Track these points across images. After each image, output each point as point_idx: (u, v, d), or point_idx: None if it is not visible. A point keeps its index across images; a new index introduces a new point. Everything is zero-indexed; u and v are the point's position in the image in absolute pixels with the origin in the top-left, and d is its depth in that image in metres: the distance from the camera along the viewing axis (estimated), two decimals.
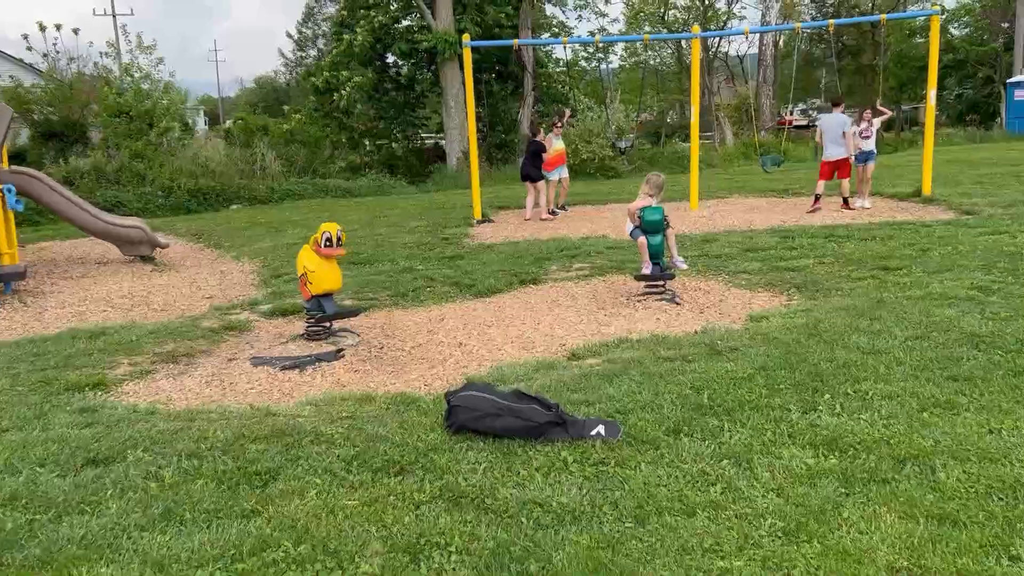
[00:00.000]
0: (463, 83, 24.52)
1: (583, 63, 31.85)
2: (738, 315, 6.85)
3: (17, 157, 23.50)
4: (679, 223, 12.04)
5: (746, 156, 26.00)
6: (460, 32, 22.72)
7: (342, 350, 6.10)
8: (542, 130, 14.59)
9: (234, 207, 17.81)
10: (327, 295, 6.34)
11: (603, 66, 30.90)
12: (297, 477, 3.76)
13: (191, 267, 10.64)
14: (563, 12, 29.76)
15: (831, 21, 12.99)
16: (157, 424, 4.58)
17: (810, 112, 75.91)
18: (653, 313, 7.07)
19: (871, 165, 12.76)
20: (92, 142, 26.44)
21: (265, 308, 7.94)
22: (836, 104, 12.69)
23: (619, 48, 36.60)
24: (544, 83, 25.24)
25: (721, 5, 53.33)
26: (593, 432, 4.07)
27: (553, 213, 13.48)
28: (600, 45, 28.58)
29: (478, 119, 26.68)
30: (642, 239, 7.60)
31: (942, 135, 28.12)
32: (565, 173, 13.69)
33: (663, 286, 7.69)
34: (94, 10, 72.29)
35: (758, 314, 6.66)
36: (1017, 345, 5.23)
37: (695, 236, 10.70)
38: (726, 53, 62.12)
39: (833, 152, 12.42)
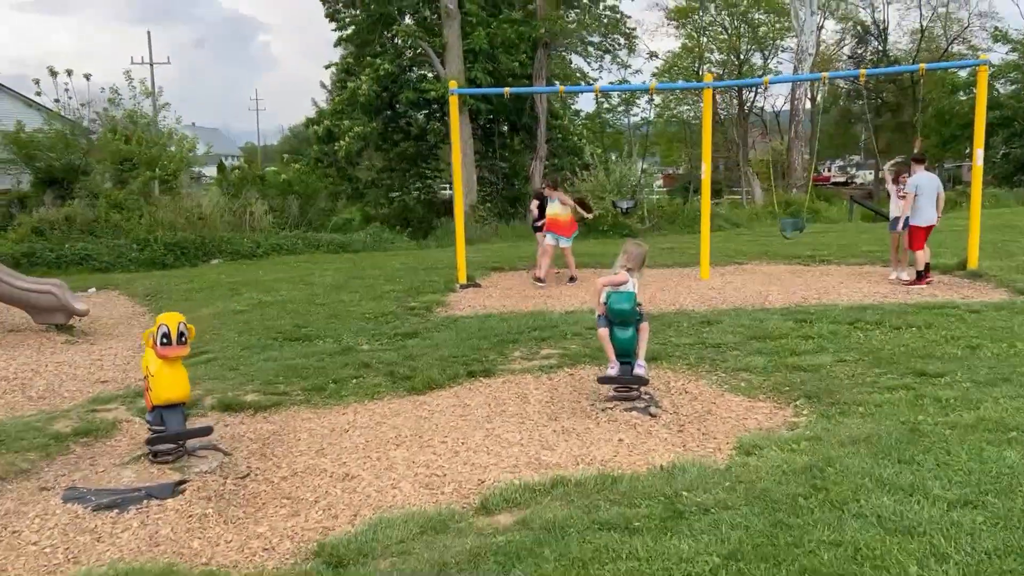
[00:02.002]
0: (472, 134, 23.45)
1: (607, 115, 30.58)
2: (725, 439, 5.23)
3: (23, 203, 22.76)
4: (684, 295, 10.51)
5: (774, 215, 24.36)
6: (471, 82, 21.64)
7: (185, 481, 4.60)
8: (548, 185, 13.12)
9: (215, 262, 16.60)
10: (172, 406, 4.85)
11: (626, 119, 29.55)
12: None
13: (111, 338, 9.28)
14: (587, 62, 28.52)
15: (862, 71, 11.49)
16: None
17: (848, 169, 74.16)
18: (617, 430, 5.47)
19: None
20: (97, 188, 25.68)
21: None
22: (920, 161, 11.11)
23: (644, 101, 35.31)
24: (559, 135, 23.97)
25: (757, 60, 52.24)
26: None
27: (539, 280, 11.94)
28: (601, 94, 27.32)
29: (491, 171, 25.52)
30: (604, 331, 6.05)
31: (988, 195, 26.23)
32: (564, 243, 12.15)
33: (636, 390, 6.10)
34: (132, 58, 73.46)
35: (751, 440, 5.04)
36: None
37: (695, 315, 9.10)
38: (761, 108, 60.95)
39: (929, 216, 10.82)
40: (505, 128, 25.17)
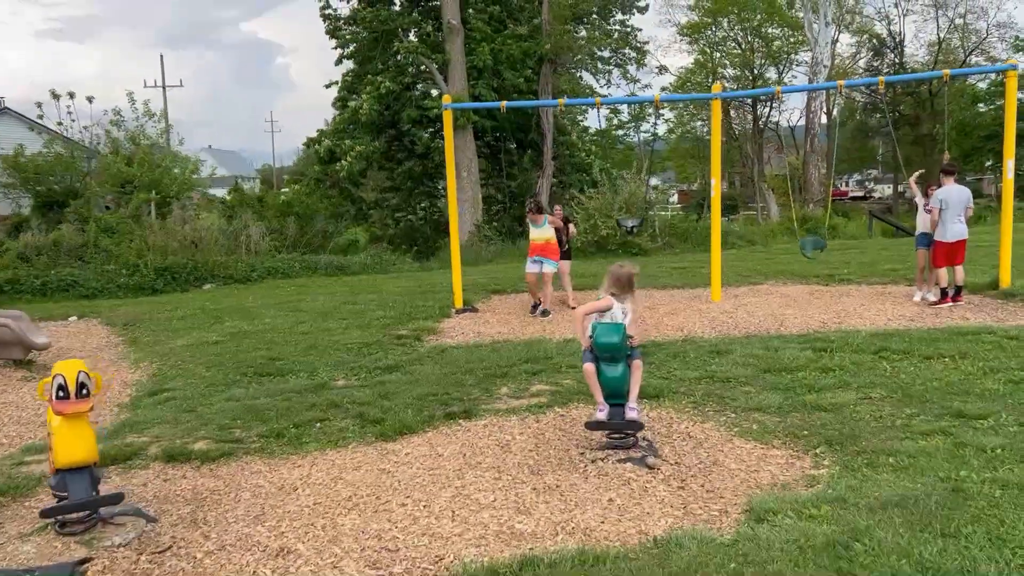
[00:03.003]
0: (477, 152, 22.83)
1: (616, 132, 29.91)
2: (733, 498, 4.46)
3: (18, 228, 22.34)
4: (693, 320, 9.75)
5: (791, 232, 23.53)
6: (475, 99, 21.05)
7: (89, 560, 3.88)
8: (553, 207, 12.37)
9: (207, 287, 16.00)
10: (77, 469, 4.13)
11: (636, 136, 28.86)
12: None
13: None
14: (595, 78, 27.89)
15: (881, 78, 10.73)
16: None
17: (866, 183, 73.06)
18: (608, 487, 4.72)
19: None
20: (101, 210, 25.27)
21: None
22: (950, 172, 10.23)
23: (653, 116, 34.56)
24: (567, 151, 23.29)
25: (771, 74, 51.49)
26: None
27: (535, 308, 11.12)
28: (610, 109, 26.71)
29: (498, 190, 24.86)
30: (590, 367, 5.30)
31: (1016, 208, 25.30)
32: (548, 268, 11.12)
33: (632, 436, 5.35)
34: (144, 81, 73.84)
35: (763, 502, 4.26)
36: None
37: (704, 343, 8.33)
38: (776, 123, 60.14)
39: (958, 231, 10.01)
40: (513, 146, 24.50)
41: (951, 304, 9.92)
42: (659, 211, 21.89)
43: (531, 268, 11.13)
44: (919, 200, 10.76)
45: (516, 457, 5.28)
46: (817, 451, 5.11)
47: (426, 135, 24.11)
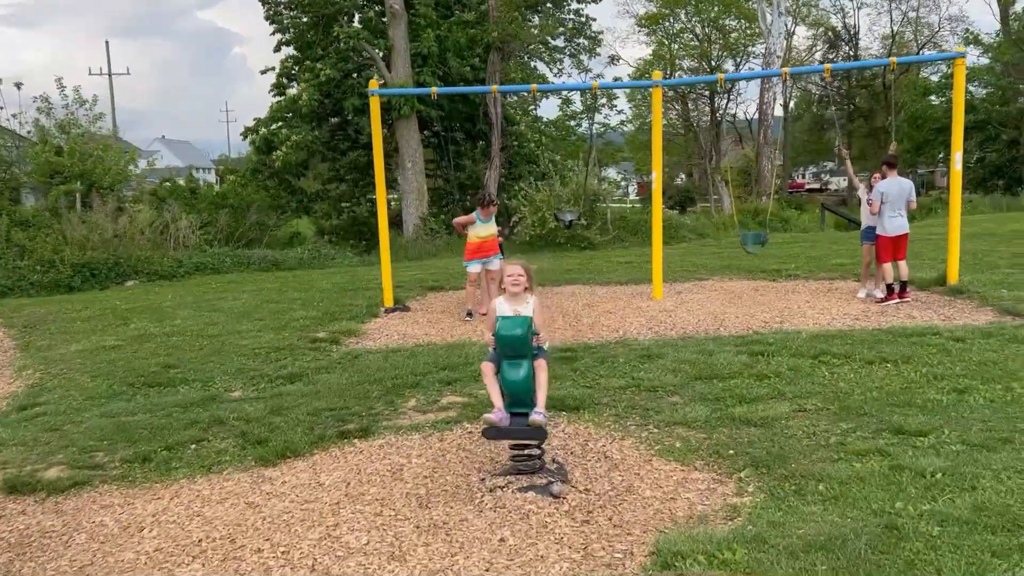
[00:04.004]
0: (422, 142, 22.11)
1: (569, 123, 29.36)
2: (641, 536, 3.90)
3: None
4: (631, 319, 9.22)
5: (744, 225, 23.20)
6: (420, 87, 20.32)
7: None
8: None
9: (130, 284, 15.10)
10: None
11: (586, 126, 28.28)
12: None
13: None
14: (548, 68, 27.25)
15: (827, 66, 10.28)
16: None
17: (822, 175, 73.57)
18: (503, 522, 4.13)
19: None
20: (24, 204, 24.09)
21: None
22: (892, 165, 9.81)
23: (607, 110, 34.02)
24: (515, 142, 22.66)
25: (729, 66, 51.33)
26: None
27: (469, 315, 10.34)
28: (537, 94, 25.96)
29: (447, 181, 24.15)
30: (488, 367, 4.71)
31: (964, 201, 25.26)
32: (496, 264, 10.35)
33: (538, 459, 4.76)
34: (89, 69, 71.73)
35: (673, 543, 3.70)
36: None
37: (637, 346, 7.78)
38: (734, 115, 60.16)
39: (899, 225, 9.59)
40: (461, 136, 23.79)
41: (897, 301, 9.53)
42: (609, 203, 21.31)
43: (475, 268, 10.33)
44: (862, 194, 10.35)
45: (406, 486, 4.66)
46: (742, 475, 4.57)
47: (369, 124, 23.25)
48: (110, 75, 50.13)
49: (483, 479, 4.70)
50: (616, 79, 31.95)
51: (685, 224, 22.10)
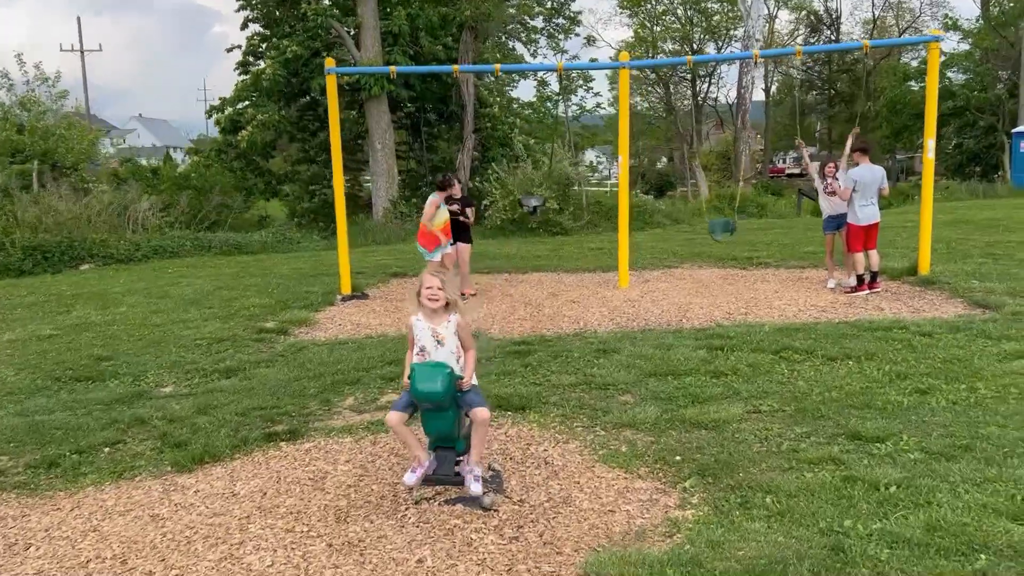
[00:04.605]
0: (392, 123, 21.62)
1: (547, 105, 28.91)
2: (571, 555, 3.59)
3: None
4: (593, 310, 8.94)
5: (719, 210, 22.92)
6: (388, 65, 19.81)
7: None
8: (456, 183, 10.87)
9: (85, 267, 14.61)
10: None
11: (561, 109, 27.81)
12: None
13: None
14: (527, 48, 26.80)
15: (798, 47, 9.94)
16: None
17: (802, 161, 73.55)
18: (425, 539, 3.80)
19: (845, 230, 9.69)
20: None
21: None
22: (865, 151, 9.50)
23: (583, 92, 33.46)
24: (488, 124, 22.21)
25: (711, 49, 50.99)
26: None
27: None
28: (504, 75, 25.51)
29: (419, 163, 23.69)
30: (394, 416, 4.07)
31: (940, 188, 25.11)
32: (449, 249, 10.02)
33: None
34: (60, 45, 70.38)
35: (603, 563, 3.40)
36: None
37: (595, 339, 7.47)
38: (716, 99, 59.91)
39: (871, 214, 9.31)
40: (433, 117, 23.31)
41: (867, 292, 9.28)
42: (585, 188, 20.93)
43: (448, 251, 10.01)
44: (818, 184, 10.06)
45: (327, 496, 4.33)
46: (687, 484, 4.27)
47: (340, 104, 22.72)
48: (82, 52, 49.07)
49: (411, 489, 4.37)
50: (593, 60, 31.46)
51: (660, 209, 21.79)
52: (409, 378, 4.01)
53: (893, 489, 3.92)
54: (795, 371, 6.14)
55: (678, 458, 4.59)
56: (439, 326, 4.11)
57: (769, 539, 3.53)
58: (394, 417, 4.08)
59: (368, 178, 24.00)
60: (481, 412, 4.06)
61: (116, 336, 8.34)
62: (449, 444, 4.20)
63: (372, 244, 18.14)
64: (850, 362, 6.30)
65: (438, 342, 4.11)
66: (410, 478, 4.11)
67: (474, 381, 4.23)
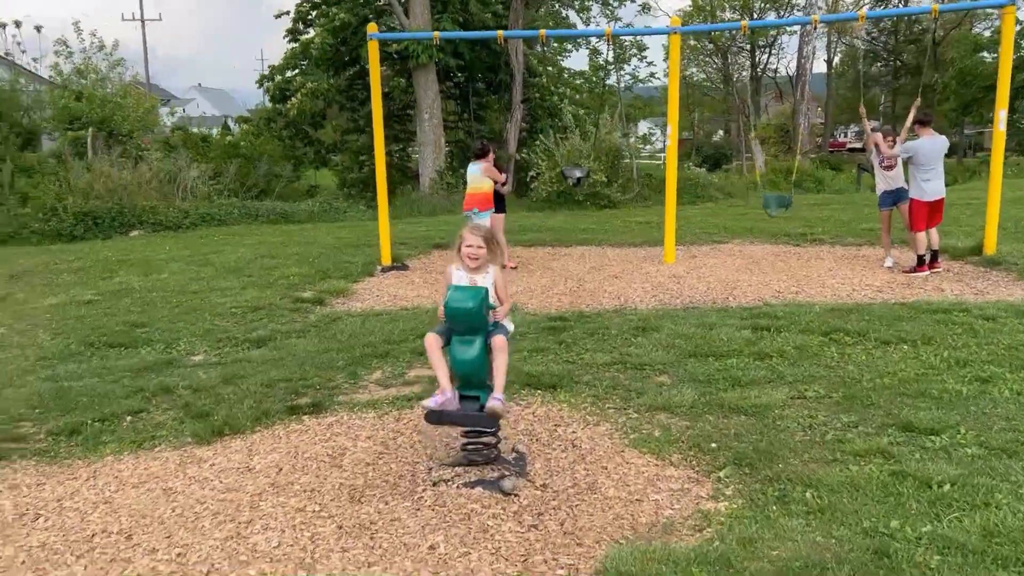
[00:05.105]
0: (441, 93, 21.36)
1: (599, 74, 28.25)
2: (592, 548, 3.38)
3: None
4: (636, 286, 8.67)
5: (775, 185, 22.20)
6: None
7: None
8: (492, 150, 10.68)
9: (134, 234, 14.78)
10: None
11: (613, 80, 27.15)
12: None
13: None
14: (580, 17, 26.22)
15: (861, 12, 9.43)
16: None
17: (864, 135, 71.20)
18: (439, 524, 3.62)
19: (904, 207, 9.14)
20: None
21: None
22: (924, 123, 8.95)
23: (637, 61, 32.51)
24: (537, 94, 21.80)
25: (772, 17, 49.38)
26: None
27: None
28: (553, 41, 24.94)
29: (468, 134, 23.42)
30: (432, 340, 4.09)
31: (1011, 164, 23.94)
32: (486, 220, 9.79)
33: (492, 438, 4.23)
34: (123, 15, 71.50)
35: (623, 561, 3.17)
36: None
37: (634, 316, 7.19)
38: (775, 70, 58.16)
39: (936, 189, 8.80)
40: (482, 87, 23.01)
41: (928, 272, 8.80)
42: (636, 160, 20.42)
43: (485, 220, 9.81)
44: (874, 158, 9.47)
45: (343, 474, 4.17)
46: (722, 474, 4.01)
47: (387, 72, 22.48)
48: (143, 21, 49.84)
49: (430, 468, 4.20)
50: (647, 27, 30.63)
51: (712, 183, 21.20)
52: (444, 305, 4.03)
53: (947, 488, 3.60)
54: (845, 355, 5.79)
55: (714, 445, 4.33)
56: (477, 276, 4.16)
57: (807, 538, 3.26)
58: (431, 338, 4.11)
59: (415, 148, 23.83)
60: (499, 339, 4.07)
61: (153, 303, 8.33)
62: (473, 393, 4.09)
63: (418, 215, 18.02)
64: (905, 346, 5.92)
65: (491, 277, 4.20)
66: (430, 402, 4.04)
67: (509, 326, 4.26)
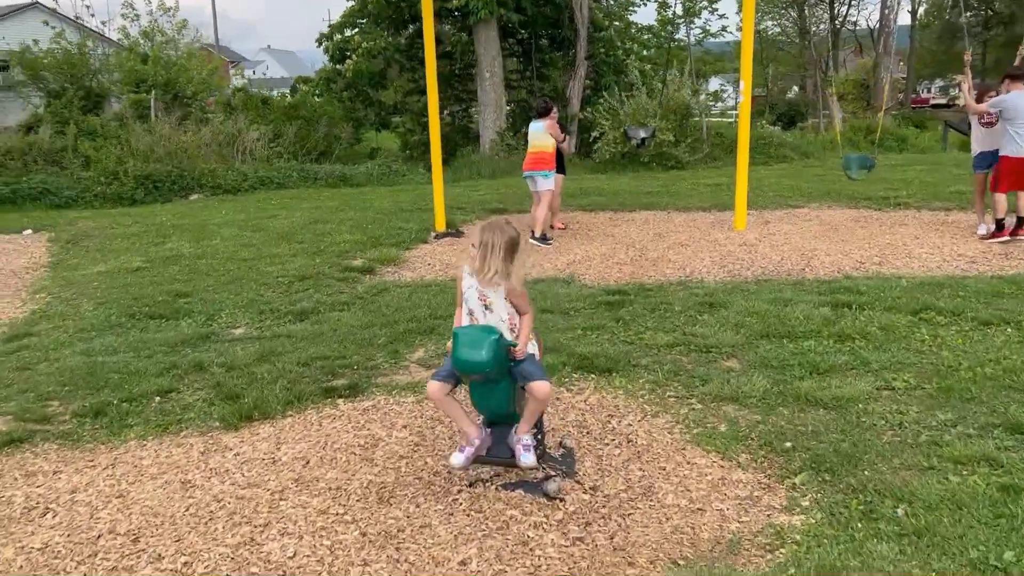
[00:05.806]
0: (502, 51, 20.71)
1: (668, 29, 27.10)
2: (644, 570, 2.95)
3: (32, 129, 21.31)
4: (703, 255, 8.16)
5: (854, 144, 21.00)
6: None
7: None
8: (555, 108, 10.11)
9: (194, 197, 14.73)
10: None
11: (682, 34, 25.96)
12: None
13: None
14: None
15: None
16: None
17: (951, 90, 67.59)
18: (473, 533, 3.24)
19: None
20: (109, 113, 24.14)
21: None
22: (1016, 77, 8.06)
23: (708, 14, 30.96)
24: (602, 49, 20.96)
25: None
26: None
27: (543, 239, 9.28)
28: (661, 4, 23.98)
29: (531, 93, 22.76)
30: (435, 387, 3.46)
31: None
32: (543, 185, 9.29)
33: (539, 443, 3.80)
34: None
35: None
36: None
37: (700, 290, 6.65)
38: (855, 23, 55.45)
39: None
40: (545, 43, 22.26)
41: (1007, 238, 8.00)
42: (706, 118, 19.51)
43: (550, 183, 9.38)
44: (972, 117, 8.61)
45: (374, 469, 3.82)
46: (797, 480, 3.52)
47: (450, 29, 21.89)
48: None
49: (476, 465, 3.81)
50: None
51: (787, 142, 20.15)
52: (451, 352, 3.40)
53: None
54: (938, 338, 5.16)
55: (788, 444, 3.82)
56: (487, 288, 3.45)
57: (900, 569, 2.76)
58: (434, 387, 3.48)
59: (477, 109, 23.28)
60: (540, 387, 3.41)
61: (200, 271, 8.12)
62: (502, 421, 3.60)
63: (477, 178, 17.57)
64: (1009, 328, 5.26)
65: (486, 307, 3.49)
66: (457, 459, 3.53)
67: (532, 350, 3.57)
